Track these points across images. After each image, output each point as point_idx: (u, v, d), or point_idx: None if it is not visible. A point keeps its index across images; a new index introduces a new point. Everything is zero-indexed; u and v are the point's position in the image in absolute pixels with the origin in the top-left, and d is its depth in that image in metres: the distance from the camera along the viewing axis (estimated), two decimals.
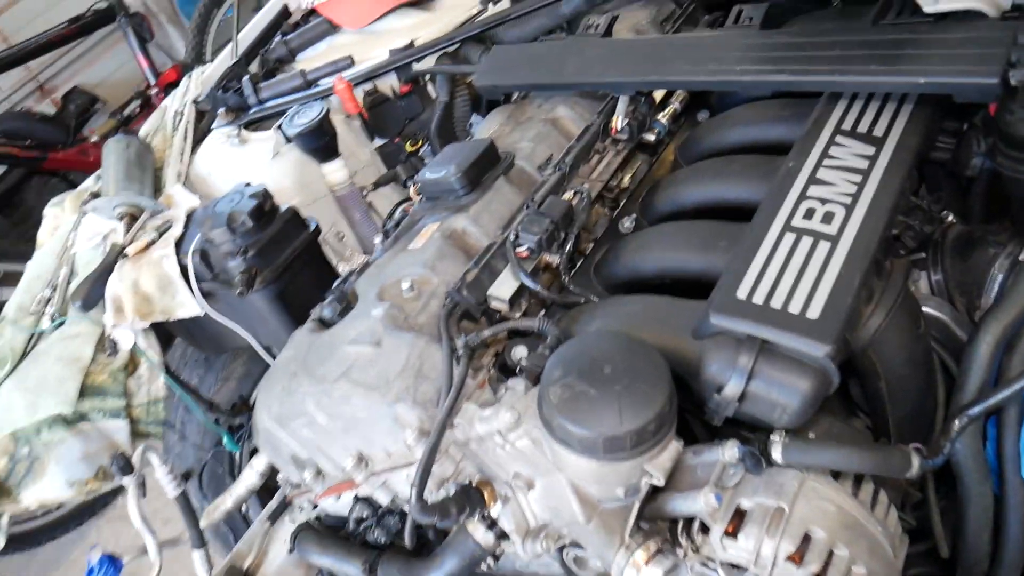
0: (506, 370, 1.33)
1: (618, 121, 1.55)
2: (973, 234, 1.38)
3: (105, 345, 1.91)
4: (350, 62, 2.12)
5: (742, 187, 1.39)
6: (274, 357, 1.97)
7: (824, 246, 1.14)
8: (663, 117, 1.61)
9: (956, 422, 1.13)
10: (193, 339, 2.03)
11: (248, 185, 1.82)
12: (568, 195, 1.46)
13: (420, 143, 2.10)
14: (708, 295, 1.28)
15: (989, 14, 1.20)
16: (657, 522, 1.16)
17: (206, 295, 1.85)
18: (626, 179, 1.60)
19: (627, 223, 1.52)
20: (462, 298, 1.34)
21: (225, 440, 2.16)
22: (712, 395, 1.12)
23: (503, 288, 1.36)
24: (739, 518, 1.11)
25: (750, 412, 1.11)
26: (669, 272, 1.34)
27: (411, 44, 2.10)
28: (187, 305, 1.84)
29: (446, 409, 1.16)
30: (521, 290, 1.36)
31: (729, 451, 1.10)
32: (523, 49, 1.79)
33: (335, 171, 2.02)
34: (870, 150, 1.25)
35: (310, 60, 2.34)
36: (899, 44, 1.25)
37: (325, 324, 1.49)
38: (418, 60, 2.07)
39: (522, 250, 1.37)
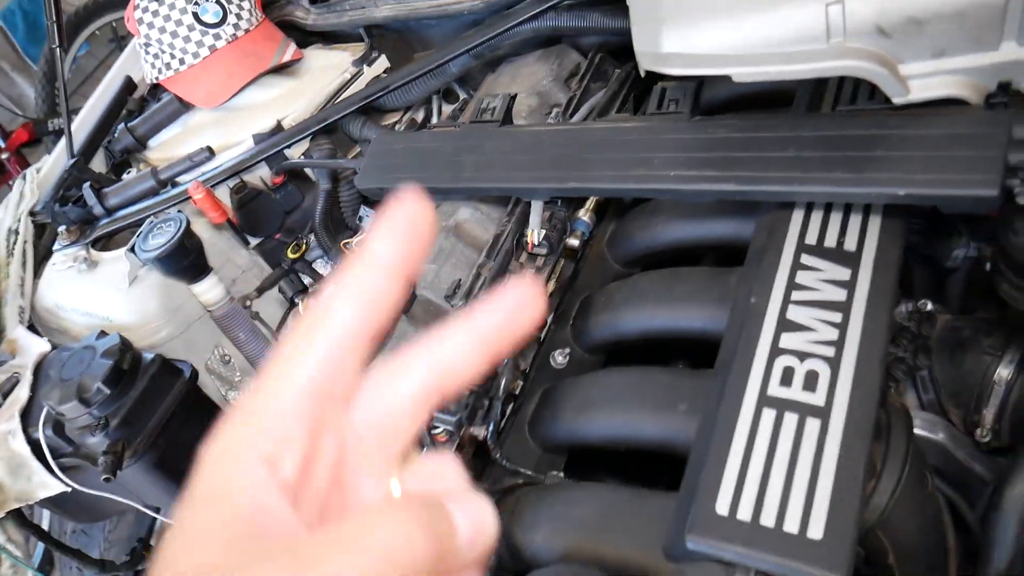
0: None
1: (534, 235, 1.29)
2: (962, 333, 1.19)
3: None
4: (209, 155, 1.80)
5: (693, 315, 1.16)
6: (167, 517, 1.69)
7: (813, 424, 0.91)
8: (584, 214, 1.36)
9: None
10: (64, 511, 1.71)
11: (102, 335, 1.50)
12: None
13: (304, 247, 1.80)
14: (670, 468, 1.07)
15: (971, 101, 0.98)
16: None
17: (68, 470, 1.54)
18: (550, 286, 1.35)
19: (559, 358, 1.28)
20: None
21: None
22: None
23: None
24: None
25: None
26: (618, 441, 1.10)
27: (278, 126, 1.79)
28: (48, 485, 1.53)
29: None
30: None
31: None
32: (409, 142, 1.51)
33: (208, 290, 1.71)
34: (845, 273, 1.03)
35: (165, 148, 2.00)
36: (867, 142, 1.02)
37: None
38: (288, 146, 1.76)
39: (439, 433, 1.11)
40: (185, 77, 1.94)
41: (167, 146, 1.99)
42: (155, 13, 1.89)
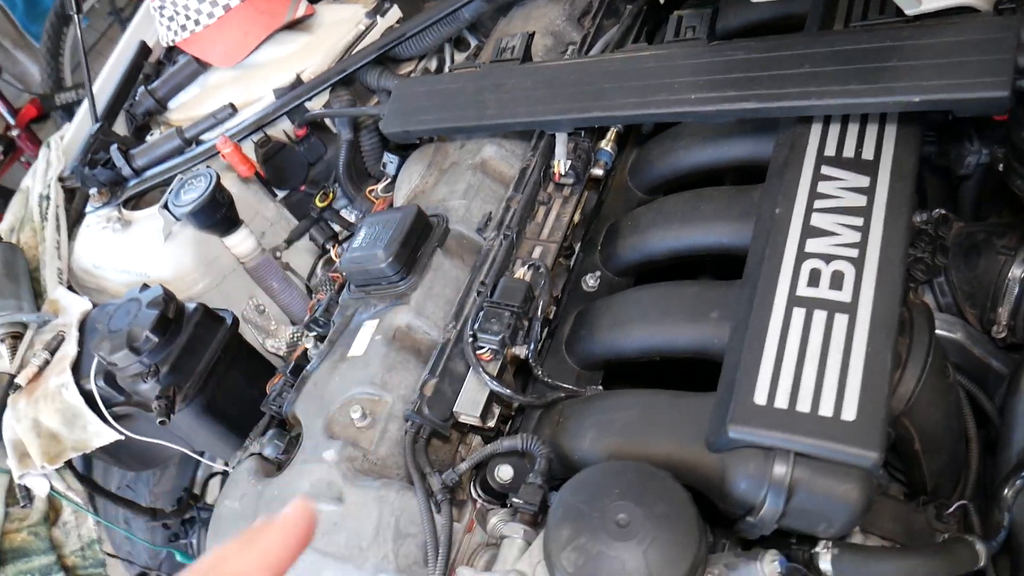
0: (490, 490, 1.15)
1: (561, 165, 1.34)
2: (976, 237, 1.24)
3: (17, 496, 1.66)
4: (231, 111, 1.84)
5: (718, 231, 1.21)
6: (213, 461, 1.76)
7: (841, 320, 0.97)
8: (607, 144, 1.40)
9: (1008, 490, 1.00)
10: (117, 459, 1.78)
11: (144, 288, 1.56)
12: (521, 272, 1.26)
13: (331, 196, 1.85)
14: (705, 374, 1.13)
15: (980, 8, 1.02)
16: None
17: (121, 419, 1.61)
18: (576, 216, 1.40)
19: (591, 281, 1.33)
20: (424, 419, 1.14)
21: (178, 556, 1.94)
22: (744, 516, 0.96)
23: (471, 401, 1.16)
24: None
25: (789, 526, 0.96)
26: (654, 351, 1.16)
27: (298, 79, 1.83)
28: (102, 434, 1.59)
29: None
30: (491, 398, 1.16)
31: (769, 565, 0.94)
32: (431, 84, 1.55)
33: (241, 242, 1.77)
34: (864, 180, 1.08)
35: (185, 108, 2.03)
36: (880, 54, 1.06)
37: (268, 462, 1.28)
38: (309, 98, 1.80)
39: (484, 353, 1.17)
40: (201, 38, 1.97)
41: (187, 107, 2.03)
42: None
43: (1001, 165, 1.08)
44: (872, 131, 1.12)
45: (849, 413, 0.90)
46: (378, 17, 1.90)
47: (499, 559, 1.02)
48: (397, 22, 1.94)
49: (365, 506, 1.08)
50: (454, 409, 1.16)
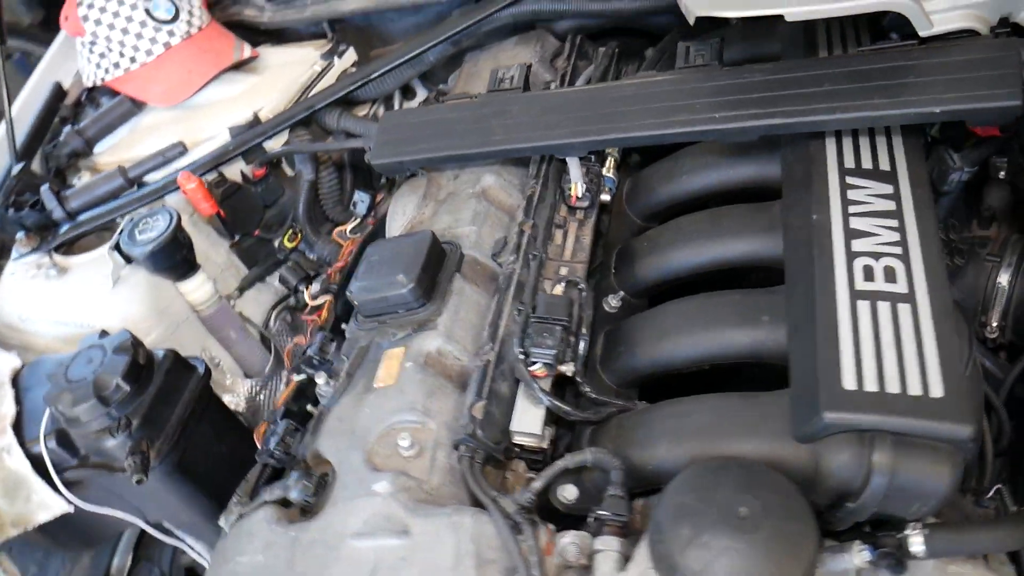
0: (548, 513, 1.10)
1: (577, 188, 1.35)
2: (959, 246, 1.36)
3: None
4: (182, 150, 1.73)
5: (745, 244, 1.25)
6: (166, 532, 1.57)
7: (905, 309, 1.02)
8: (607, 171, 1.43)
9: None
10: (52, 538, 1.55)
11: (104, 335, 1.40)
12: (559, 288, 1.25)
13: (299, 236, 1.76)
14: (758, 377, 1.15)
15: (981, 31, 1.15)
16: None
17: (73, 485, 1.41)
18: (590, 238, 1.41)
19: (613, 302, 1.34)
20: (479, 443, 1.09)
21: None
22: (839, 505, 0.97)
23: (527, 420, 1.12)
24: None
25: (883, 510, 0.98)
26: (706, 358, 1.17)
27: (256, 119, 1.75)
28: (49, 506, 1.40)
29: None
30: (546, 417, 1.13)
31: (858, 555, 0.96)
32: (424, 115, 1.53)
33: (197, 288, 1.63)
34: (888, 188, 1.16)
35: (115, 151, 1.88)
36: (897, 72, 1.17)
37: (291, 508, 1.16)
38: (268, 137, 1.73)
39: (537, 369, 1.14)
40: (138, 76, 1.85)
41: (117, 149, 1.88)
42: (103, 10, 1.80)
43: (1002, 173, 1.19)
44: (882, 145, 1.21)
45: (937, 391, 0.94)
46: (335, 58, 1.87)
47: (595, 573, 0.96)
48: (352, 65, 1.92)
49: (437, 535, 1.00)
50: (512, 428, 1.11)
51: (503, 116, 1.41)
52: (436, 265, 1.30)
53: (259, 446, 1.35)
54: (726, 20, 1.32)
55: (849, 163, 1.21)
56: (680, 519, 0.90)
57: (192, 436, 1.43)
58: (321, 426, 1.21)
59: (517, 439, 1.12)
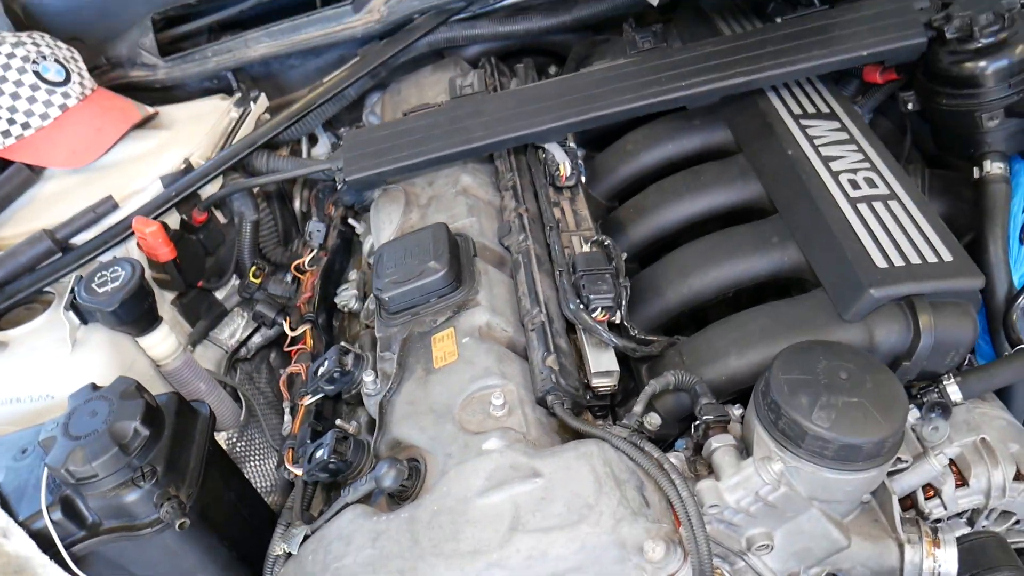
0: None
1: (565, 167, 1.46)
2: None
3: None
4: (112, 204, 1.62)
5: (726, 191, 1.42)
6: None
7: (895, 203, 1.23)
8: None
9: (1015, 315, 1.31)
10: None
11: (94, 387, 1.28)
12: (587, 248, 1.34)
13: (264, 272, 1.70)
14: (774, 295, 1.31)
15: None
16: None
17: (81, 561, 1.25)
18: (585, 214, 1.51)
19: None
20: (563, 391, 1.14)
21: None
22: (897, 365, 1.14)
23: (602, 362, 1.19)
24: (954, 468, 1.15)
25: (927, 367, 1.15)
26: (731, 285, 1.30)
27: (189, 165, 1.69)
28: None
29: (693, 504, 0.98)
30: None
31: (910, 414, 1.13)
32: (391, 127, 1.57)
33: (161, 341, 1.52)
34: (836, 124, 1.39)
35: (14, 223, 1.72)
36: (824, 29, 1.41)
37: (378, 502, 1.13)
38: (203, 184, 1.68)
39: (599, 315, 1.21)
40: (33, 141, 1.72)
41: (19, 222, 1.71)
42: None
43: (910, 105, 1.45)
44: (815, 94, 1.45)
45: (947, 255, 1.15)
46: (251, 104, 1.86)
47: (723, 466, 1.04)
48: (265, 110, 1.91)
49: (569, 469, 1.03)
50: (592, 370, 1.17)
51: (479, 115, 1.50)
52: (457, 253, 1.34)
53: (291, 470, 1.30)
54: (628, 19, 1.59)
55: (797, 111, 1.43)
56: (795, 392, 1.00)
57: (207, 482, 1.33)
58: (390, 416, 1.20)
59: (595, 381, 1.18)
